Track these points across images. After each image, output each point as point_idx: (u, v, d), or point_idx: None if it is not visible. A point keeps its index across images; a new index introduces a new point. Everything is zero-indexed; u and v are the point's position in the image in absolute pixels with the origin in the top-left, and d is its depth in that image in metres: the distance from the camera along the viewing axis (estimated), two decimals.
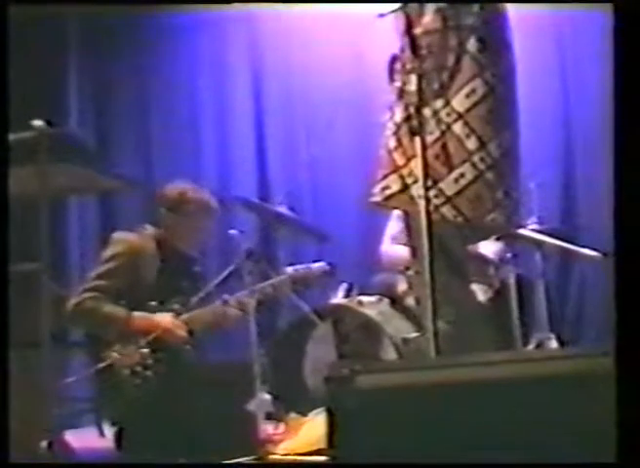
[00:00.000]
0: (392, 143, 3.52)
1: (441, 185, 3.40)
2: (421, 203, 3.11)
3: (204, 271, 4.83)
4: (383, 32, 3.62)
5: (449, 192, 3.41)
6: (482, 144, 3.41)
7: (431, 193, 3.35)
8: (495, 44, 3.49)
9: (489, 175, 3.42)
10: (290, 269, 4.59)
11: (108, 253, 4.47)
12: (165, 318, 4.38)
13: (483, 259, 5.20)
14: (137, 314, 4.36)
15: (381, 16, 3.42)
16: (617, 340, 2.11)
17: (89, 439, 4.79)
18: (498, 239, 5.13)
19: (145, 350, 4.31)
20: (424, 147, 3.15)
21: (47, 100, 6.47)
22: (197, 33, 6.90)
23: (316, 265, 4.65)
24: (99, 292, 4.34)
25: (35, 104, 5.89)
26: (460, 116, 3.42)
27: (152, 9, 6.48)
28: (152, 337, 4.28)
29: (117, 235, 4.57)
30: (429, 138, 3.35)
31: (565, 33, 6.31)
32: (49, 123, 4.18)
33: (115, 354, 4.29)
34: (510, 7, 3.60)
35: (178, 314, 4.43)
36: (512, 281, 5.09)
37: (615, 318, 2.13)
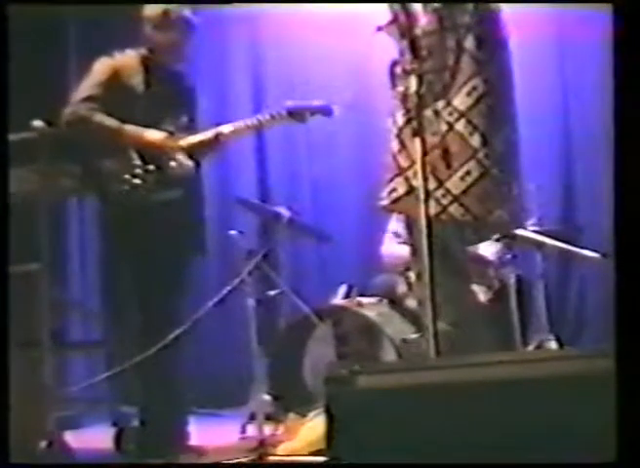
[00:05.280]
0: (396, 146, 3.52)
1: (447, 185, 3.40)
2: (421, 204, 3.11)
3: (194, 85, 4.90)
4: (385, 36, 3.63)
5: (455, 191, 3.40)
6: (486, 141, 3.41)
7: (438, 193, 3.36)
8: (491, 41, 3.49)
9: (495, 171, 3.42)
10: (289, 102, 4.60)
11: (93, 69, 4.57)
12: (155, 133, 4.48)
13: (483, 261, 5.20)
14: (128, 126, 4.45)
15: (379, 29, 3.44)
16: (617, 340, 2.11)
17: (88, 439, 4.79)
18: (497, 240, 5.13)
19: (136, 161, 4.40)
20: (424, 149, 3.15)
21: (47, 100, 6.45)
22: (197, 33, 6.87)
23: (315, 102, 4.63)
24: (92, 103, 4.45)
25: (35, 104, 5.88)
26: (462, 114, 3.43)
27: None
28: (143, 150, 4.41)
29: (99, 59, 4.64)
30: (433, 139, 3.36)
31: (565, 33, 6.31)
32: (49, 123, 4.20)
33: (107, 161, 4.41)
34: (510, 7, 3.60)
35: (171, 134, 4.52)
36: (512, 282, 5.10)
37: (615, 318, 2.13)
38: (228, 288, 4.52)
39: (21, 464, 3.63)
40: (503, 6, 3.56)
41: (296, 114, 4.55)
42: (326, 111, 4.58)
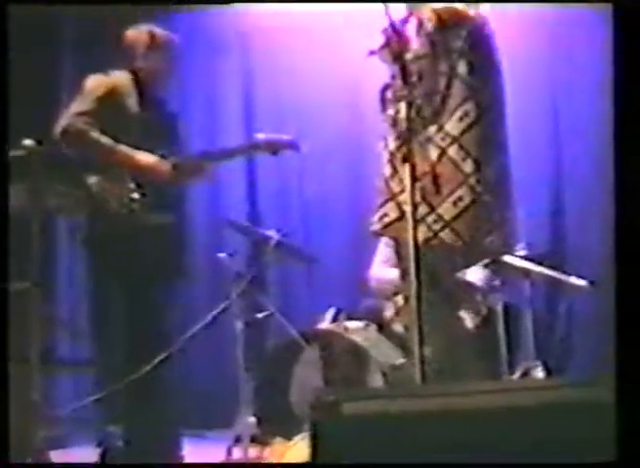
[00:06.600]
0: (388, 171, 3.54)
1: (439, 210, 3.42)
2: (410, 229, 3.12)
3: (178, 112, 5.02)
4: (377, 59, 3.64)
5: (447, 217, 3.42)
6: (478, 166, 3.43)
7: (430, 219, 3.39)
8: (484, 66, 3.52)
9: (486, 197, 3.44)
10: (260, 135, 4.75)
11: (87, 85, 4.55)
12: (147, 156, 4.49)
13: (470, 286, 5.19)
14: (121, 147, 4.44)
15: (372, 53, 3.46)
16: (617, 342, 2.11)
17: (73, 459, 4.77)
18: (485, 266, 5.13)
19: (131, 185, 4.42)
20: (414, 174, 3.16)
21: (46, 100, 6.44)
22: (196, 34, 6.86)
23: (285, 136, 4.76)
24: (88, 117, 4.43)
25: (34, 104, 5.92)
26: (454, 140, 3.45)
27: (151, 9, 6.44)
28: (134, 173, 4.43)
29: (92, 76, 4.62)
30: (425, 165, 3.38)
31: (565, 32, 6.26)
32: (39, 142, 4.20)
33: (104, 183, 4.42)
34: (510, 7, 3.61)
35: (162, 157, 4.53)
36: (500, 308, 5.10)
37: (615, 318, 2.13)
38: (217, 310, 4.52)
39: (22, 464, 3.65)
40: (503, 6, 3.56)
41: (267, 147, 4.68)
42: (293, 146, 4.71)
